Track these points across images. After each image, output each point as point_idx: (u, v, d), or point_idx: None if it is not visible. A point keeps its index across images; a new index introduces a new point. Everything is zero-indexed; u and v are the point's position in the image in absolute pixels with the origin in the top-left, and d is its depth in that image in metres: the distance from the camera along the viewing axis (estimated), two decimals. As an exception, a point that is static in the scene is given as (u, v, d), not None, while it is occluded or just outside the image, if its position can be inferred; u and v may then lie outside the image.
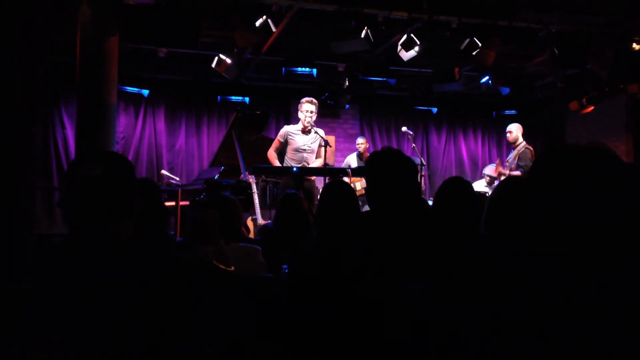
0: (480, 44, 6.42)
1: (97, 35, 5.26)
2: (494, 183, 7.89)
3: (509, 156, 7.37)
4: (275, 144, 6.19)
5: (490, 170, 8.08)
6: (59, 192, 8.38)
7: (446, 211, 2.58)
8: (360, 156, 8.22)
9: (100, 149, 5.22)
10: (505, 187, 2.19)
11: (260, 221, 5.70)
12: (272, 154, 6.16)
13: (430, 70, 8.33)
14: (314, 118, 6.11)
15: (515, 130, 7.25)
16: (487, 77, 8.36)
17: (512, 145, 7.37)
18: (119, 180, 1.53)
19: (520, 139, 7.23)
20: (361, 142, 8.29)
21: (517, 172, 6.94)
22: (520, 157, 7.03)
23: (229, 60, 7.08)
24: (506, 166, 7.27)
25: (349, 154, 8.55)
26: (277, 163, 6.11)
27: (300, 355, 1.90)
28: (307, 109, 6.03)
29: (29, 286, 1.39)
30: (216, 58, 7.11)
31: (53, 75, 7.90)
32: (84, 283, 1.38)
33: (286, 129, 6.25)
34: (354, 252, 1.90)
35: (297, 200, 3.64)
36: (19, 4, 3.53)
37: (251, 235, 5.60)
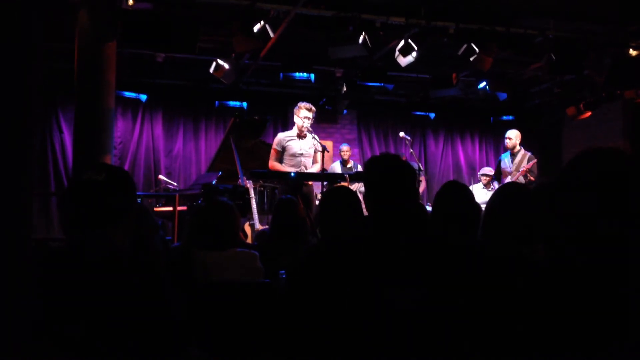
0: (477, 50, 6.44)
1: (95, 40, 5.27)
2: (490, 185, 7.93)
3: (512, 163, 7.36)
4: (273, 155, 6.14)
5: (487, 170, 8.14)
6: (60, 194, 8.36)
7: (445, 214, 2.58)
8: (343, 163, 8.29)
9: (98, 155, 5.23)
10: (503, 194, 2.19)
11: (258, 226, 5.69)
12: (275, 165, 6.10)
13: (427, 76, 8.36)
14: (311, 123, 6.11)
15: (514, 138, 7.35)
16: (484, 83, 8.37)
17: (511, 152, 7.41)
18: (119, 187, 1.57)
19: (518, 146, 7.32)
20: (345, 150, 8.37)
21: (523, 180, 6.98)
22: (530, 169, 7.06)
23: (226, 66, 7.09)
24: (511, 172, 7.27)
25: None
26: (286, 169, 6.05)
27: (298, 360, 1.90)
28: (305, 115, 6.01)
29: (26, 290, 1.39)
30: (214, 63, 7.12)
31: (51, 81, 7.90)
32: (81, 288, 1.38)
33: (280, 136, 6.22)
34: (353, 258, 1.90)
35: (293, 205, 3.64)
36: (16, 9, 3.53)
37: (249, 240, 5.59)
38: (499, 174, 7.64)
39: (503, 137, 7.67)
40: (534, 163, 7.14)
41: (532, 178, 7.03)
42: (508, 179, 7.20)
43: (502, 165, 7.55)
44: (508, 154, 7.49)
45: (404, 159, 2.21)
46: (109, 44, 5.34)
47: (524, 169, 7.05)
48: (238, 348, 2.48)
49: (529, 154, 7.31)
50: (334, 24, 6.06)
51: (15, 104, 3.53)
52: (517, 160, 7.30)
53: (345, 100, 9.21)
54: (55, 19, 5.73)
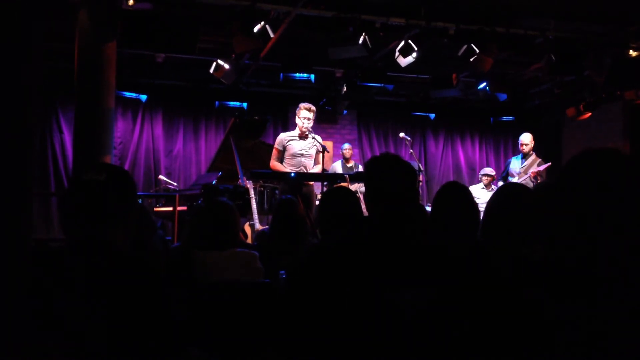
0: (477, 51, 6.44)
1: (95, 40, 5.27)
2: (491, 185, 7.93)
3: (522, 166, 7.31)
4: (274, 154, 6.14)
5: (488, 170, 8.13)
6: (60, 194, 8.37)
7: (444, 216, 2.58)
8: (345, 161, 8.40)
9: (98, 155, 5.23)
10: (502, 194, 2.19)
11: (258, 226, 5.69)
12: (276, 165, 6.09)
13: (427, 77, 8.36)
14: (312, 124, 6.10)
15: (530, 142, 7.30)
16: (484, 84, 8.38)
17: (523, 154, 7.34)
18: (119, 187, 1.57)
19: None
20: (347, 148, 8.47)
21: (531, 183, 6.94)
22: (540, 173, 7.00)
23: (227, 66, 7.09)
24: (519, 174, 7.22)
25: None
26: (286, 169, 6.05)
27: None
28: (305, 115, 6.01)
29: (26, 291, 1.39)
30: (214, 63, 7.12)
31: (51, 81, 7.91)
32: (81, 288, 1.39)
33: (282, 136, 6.21)
34: (352, 259, 1.90)
35: (293, 205, 3.63)
36: (17, 10, 3.53)
37: (249, 240, 5.60)
38: (506, 176, 7.60)
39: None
40: (547, 167, 7.02)
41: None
42: (515, 180, 7.16)
43: (512, 166, 7.52)
44: (520, 156, 7.43)
45: (403, 160, 2.21)
46: (109, 44, 5.34)
47: (534, 171, 7.00)
48: (238, 348, 2.48)
49: (539, 159, 7.27)
50: (334, 24, 6.06)
51: (15, 104, 3.53)
52: (527, 163, 7.27)
53: (345, 100, 9.21)
54: (55, 19, 5.73)
